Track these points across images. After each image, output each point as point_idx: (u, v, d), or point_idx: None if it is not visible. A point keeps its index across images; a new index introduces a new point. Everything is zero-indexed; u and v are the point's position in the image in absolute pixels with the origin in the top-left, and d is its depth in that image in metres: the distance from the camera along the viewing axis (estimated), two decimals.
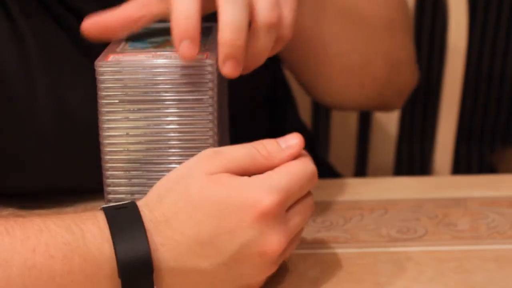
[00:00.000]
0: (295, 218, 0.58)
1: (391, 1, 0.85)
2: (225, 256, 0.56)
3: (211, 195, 0.56)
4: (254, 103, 0.84)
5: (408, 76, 0.88)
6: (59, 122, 0.70)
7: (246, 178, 0.57)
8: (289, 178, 0.57)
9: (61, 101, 0.70)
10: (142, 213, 0.56)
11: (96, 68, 0.60)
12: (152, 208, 0.57)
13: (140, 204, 0.57)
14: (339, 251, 0.67)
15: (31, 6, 0.69)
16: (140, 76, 0.59)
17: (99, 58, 0.60)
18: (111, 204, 0.58)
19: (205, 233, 0.55)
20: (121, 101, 0.60)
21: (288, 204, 0.58)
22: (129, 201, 0.58)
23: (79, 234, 0.55)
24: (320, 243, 0.69)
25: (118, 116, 0.60)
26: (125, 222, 0.55)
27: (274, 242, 0.56)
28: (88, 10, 0.67)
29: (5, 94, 0.68)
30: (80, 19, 0.70)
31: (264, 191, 0.56)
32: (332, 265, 0.65)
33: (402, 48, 0.86)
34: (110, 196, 0.62)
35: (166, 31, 0.64)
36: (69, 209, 0.71)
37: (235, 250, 0.56)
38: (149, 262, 0.54)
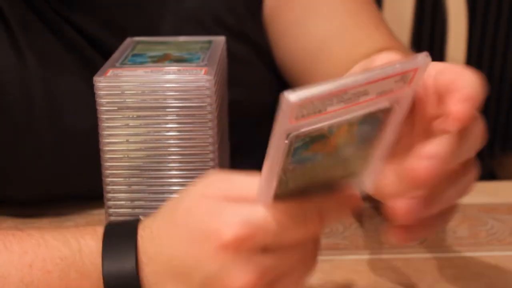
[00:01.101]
0: (274, 261, 0.51)
1: None
2: (194, 284, 0.52)
3: (189, 219, 0.52)
4: (255, 111, 0.84)
5: None
6: (56, 131, 0.70)
7: (222, 203, 0.51)
8: (265, 214, 0.49)
9: (58, 110, 0.70)
10: (139, 229, 0.54)
11: (95, 83, 0.59)
12: (147, 224, 0.54)
13: (144, 219, 0.55)
14: (338, 257, 0.67)
15: (29, 18, 0.69)
16: (138, 91, 0.59)
17: (98, 73, 0.60)
18: (117, 219, 0.56)
19: (176, 257, 0.52)
20: (120, 108, 0.60)
21: (261, 242, 0.50)
22: (135, 218, 0.55)
23: (76, 248, 0.55)
24: (320, 250, 0.68)
25: (118, 123, 0.60)
26: (119, 238, 0.54)
27: (237, 279, 0.50)
28: (84, 22, 0.67)
29: (2, 103, 0.69)
30: (77, 31, 0.70)
31: (228, 222, 0.50)
32: (331, 271, 0.65)
33: None
34: (110, 202, 0.62)
35: (166, 45, 0.64)
36: (70, 223, 0.71)
37: (201, 281, 0.51)
38: (135, 281, 0.53)
